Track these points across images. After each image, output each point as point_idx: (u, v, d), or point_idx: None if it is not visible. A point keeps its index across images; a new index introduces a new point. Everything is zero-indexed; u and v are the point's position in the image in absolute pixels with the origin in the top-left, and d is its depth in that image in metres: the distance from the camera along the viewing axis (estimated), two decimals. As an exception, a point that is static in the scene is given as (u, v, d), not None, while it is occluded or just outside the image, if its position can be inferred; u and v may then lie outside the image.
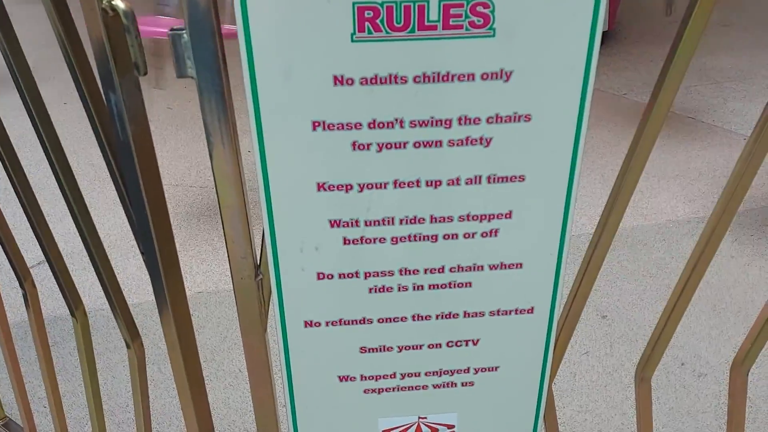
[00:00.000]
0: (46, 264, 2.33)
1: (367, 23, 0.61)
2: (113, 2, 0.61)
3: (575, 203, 0.75)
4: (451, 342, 0.84)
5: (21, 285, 1.07)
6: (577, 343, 1.94)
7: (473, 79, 0.65)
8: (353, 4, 0.60)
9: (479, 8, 0.62)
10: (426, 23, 0.62)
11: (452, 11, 0.61)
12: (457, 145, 0.69)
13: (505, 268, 0.78)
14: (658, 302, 2.09)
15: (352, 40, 0.62)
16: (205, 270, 2.31)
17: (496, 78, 0.65)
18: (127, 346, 0.95)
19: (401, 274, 0.77)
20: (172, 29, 0.62)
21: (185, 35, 0.61)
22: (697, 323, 2.01)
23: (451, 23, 0.62)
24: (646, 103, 0.74)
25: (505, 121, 0.68)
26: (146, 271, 2.22)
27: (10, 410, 1.69)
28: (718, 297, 2.12)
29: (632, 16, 5.07)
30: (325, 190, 0.71)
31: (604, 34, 4.46)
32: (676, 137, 3.21)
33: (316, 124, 0.67)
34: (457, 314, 0.81)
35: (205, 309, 2.10)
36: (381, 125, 0.67)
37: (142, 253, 0.78)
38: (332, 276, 0.77)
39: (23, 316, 2.07)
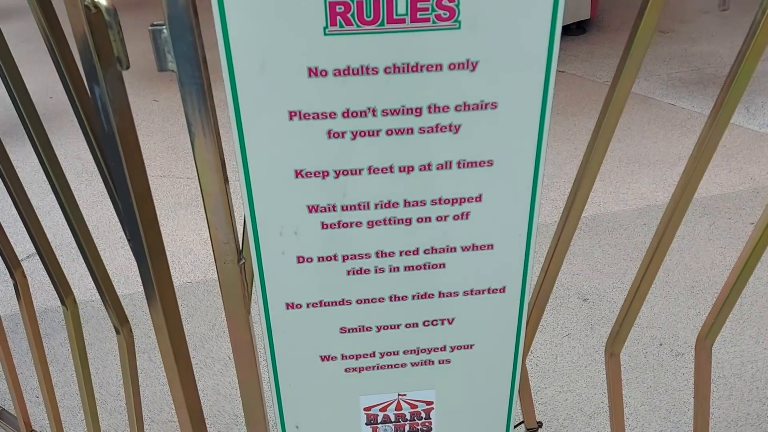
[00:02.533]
0: (35, 258, 2.35)
1: (338, 17, 0.65)
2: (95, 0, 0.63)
3: (542, 185, 0.79)
4: (428, 321, 0.87)
5: (11, 275, 1.10)
6: (559, 326, 1.99)
7: (441, 69, 0.69)
8: (324, -1, 0.63)
9: (445, 2, 0.65)
10: (395, 17, 0.65)
11: (419, 5, 0.65)
12: (428, 132, 0.73)
13: (477, 249, 0.82)
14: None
15: (325, 34, 0.65)
16: (193, 260, 2.34)
17: (463, 68, 0.69)
18: (117, 332, 0.98)
19: (378, 257, 0.81)
20: (152, 25, 0.65)
21: (165, 30, 0.64)
22: (675, 304, 2.06)
23: (418, 16, 0.65)
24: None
25: (473, 108, 0.72)
26: (135, 262, 2.24)
27: (3, 400, 1.72)
28: (695, 279, 2.18)
29: (614, 4, 5.11)
30: (302, 177, 0.74)
31: (586, 22, 4.50)
32: (656, 123, 3.26)
33: (293, 113, 0.70)
34: (433, 294, 0.85)
35: (193, 298, 2.13)
36: (354, 114, 0.71)
37: (129, 240, 0.81)
38: (312, 259, 0.80)
39: (13, 309, 2.10)
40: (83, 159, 3.11)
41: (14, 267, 1.09)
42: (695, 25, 4.57)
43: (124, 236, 2.64)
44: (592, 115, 3.35)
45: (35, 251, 2.38)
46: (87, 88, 0.70)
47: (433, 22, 0.66)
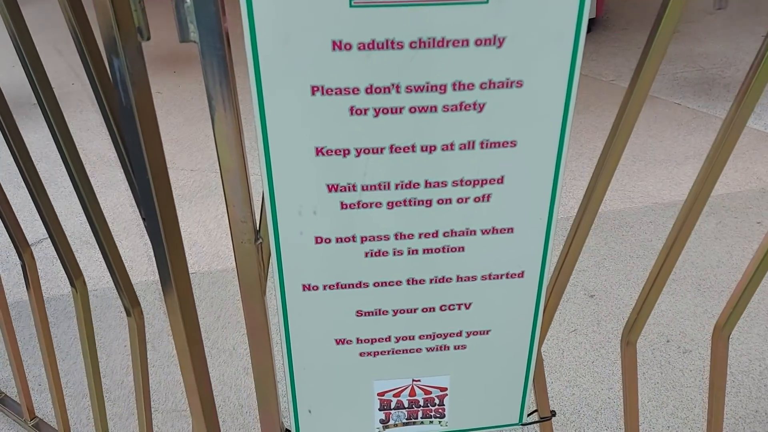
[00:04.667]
0: (39, 246, 2.33)
1: (365, -12, 0.63)
2: (118, -33, 0.62)
3: (564, 168, 0.78)
4: (444, 306, 0.86)
5: (20, 256, 1.08)
6: (566, 321, 1.98)
7: (467, 44, 0.68)
8: (352, -31, 0.62)
9: (473, -25, 0.64)
10: (422, -11, 0.64)
11: (447, -23, 0.63)
12: (452, 110, 0.71)
13: (497, 232, 0.81)
14: (644, 282, 2.13)
15: (351, 6, 0.64)
16: (197, 251, 2.33)
17: (490, 44, 0.68)
18: (128, 314, 0.97)
19: (396, 239, 0.80)
20: (175, -6, 0.64)
21: (188, 0, 0.63)
22: (682, 302, 2.05)
23: (446, -11, 0.64)
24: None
25: (498, 86, 0.71)
26: (138, 251, 2.22)
27: (5, 387, 1.71)
28: (702, 277, 2.16)
29: (620, 3, 5.10)
30: (323, 154, 0.73)
31: (592, 21, 4.49)
32: (662, 122, 3.25)
33: (315, 88, 0.69)
34: (450, 278, 0.84)
35: (198, 290, 2.12)
36: (378, 90, 0.69)
37: (144, 219, 0.80)
38: (330, 240, 0.79)
39: (16, 297, 2.08)
40: (86, 150, 3.10)
41: (23, 249, 1.08)
42: (700, 25, 4.57)
43: (127, 228, 2.60)
44: (598, 114, 3.35)
45: (40, 239, 2.37)
46: (106, 60, 0.69)
47: (461, -5, 0.65)
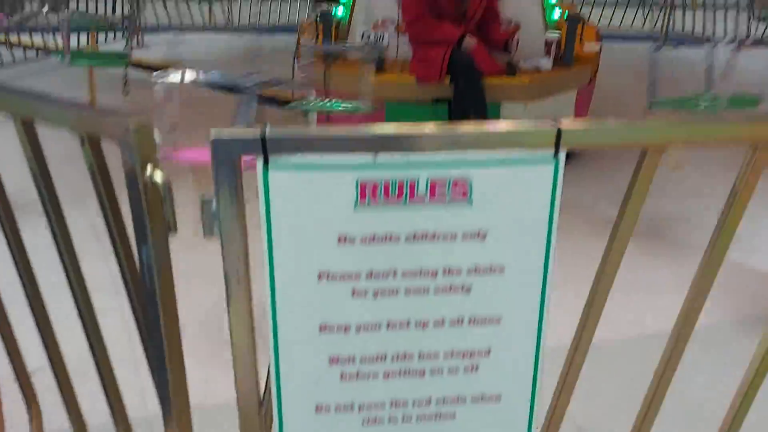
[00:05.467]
0: (33, 376, 2.32)
1: (367, 195, 0.74)
2: (154, 178, 0.72)
3: (545, 340, 0.85)
4: (437, 468, 0.91)
5: (28, 408, 1.12)
6: (556, 459, 1.98)
7: (455, 238, 0.78)
8: (357, 180, 0.73)
9: (460, 183, 0.75)
10: (416, 195, 0.75)
11: (437, 187, 0.74)
12: (443, 292, 0.80)
13: (485, 399, 0.87)
14: (633, 414, 2.15)
15: (355, 209, 0.74)
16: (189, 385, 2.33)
17: (475, 238, 0.78)
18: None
19: (392, 407, 0.86)
20: (203, 197, 0.74)
21: (214, 204, 0.73)
22: (670, 437, 2.07)
23: (436, 195, 0.75)
24: (613, 215, 0.87)
25: (483, 272, 0.80)
26: (129, 385, 2.22)
27: None
28: (688, 409, 2.19)
29: (597, 134, 5.39)
30: (326, 331, 0.81)
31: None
32: (640, 250, 3.37)
33: (321, 275, 0.78)
34: (443, 442, 0.89)
35: (188, 424, 2.11)
36: (377, 276, 0.78)
37: (157, 386, 0.86)
38: (330, 408, 0.85)
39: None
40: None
41: (30, 401, 1.12)
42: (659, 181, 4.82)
43: (120, 358, 2.61)
44: (577, 241, 3.46)
45: (33, 370, 2.36)
46: (136, 250, 0.78)
47: (449, 200, 0.75)
